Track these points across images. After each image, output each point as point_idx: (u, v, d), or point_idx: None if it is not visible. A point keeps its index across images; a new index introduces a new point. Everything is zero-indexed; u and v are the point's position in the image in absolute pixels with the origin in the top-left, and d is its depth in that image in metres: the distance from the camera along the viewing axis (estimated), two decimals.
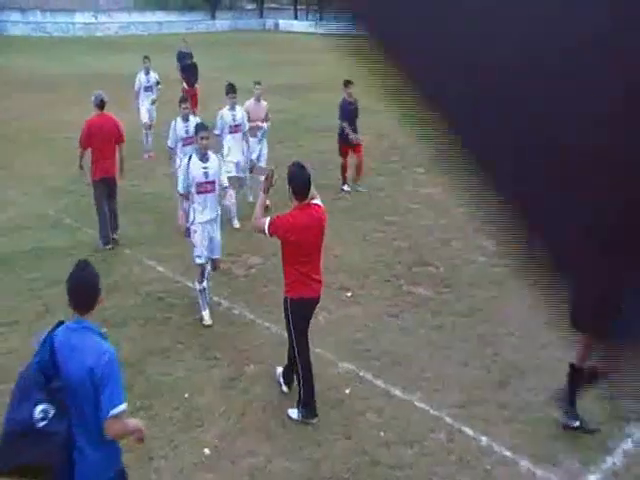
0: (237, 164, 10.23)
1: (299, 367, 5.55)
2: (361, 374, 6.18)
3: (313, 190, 5.46)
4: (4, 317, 7.17)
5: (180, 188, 6.97)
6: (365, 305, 7.67)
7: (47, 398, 3.16)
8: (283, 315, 5.61)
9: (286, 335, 6.93)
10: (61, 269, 8.35)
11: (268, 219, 5.39)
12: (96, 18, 54.81)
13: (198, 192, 6.89)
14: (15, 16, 50.44)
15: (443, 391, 5.97)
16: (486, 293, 8.04)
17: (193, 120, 9.50)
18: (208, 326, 7.04)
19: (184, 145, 9.63)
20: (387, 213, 10.69)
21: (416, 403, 5.78)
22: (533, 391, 6.00)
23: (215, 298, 7.65)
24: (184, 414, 5.58)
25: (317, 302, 5.69)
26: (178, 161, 9.17)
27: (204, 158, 6.92)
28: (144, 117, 14.21)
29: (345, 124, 11.71)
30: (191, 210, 7.02)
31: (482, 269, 8.75)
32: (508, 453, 5.18)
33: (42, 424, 3.13)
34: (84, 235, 9.56)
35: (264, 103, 10.78)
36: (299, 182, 5.31)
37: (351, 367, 6.35)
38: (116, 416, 3.25)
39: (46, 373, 3.20)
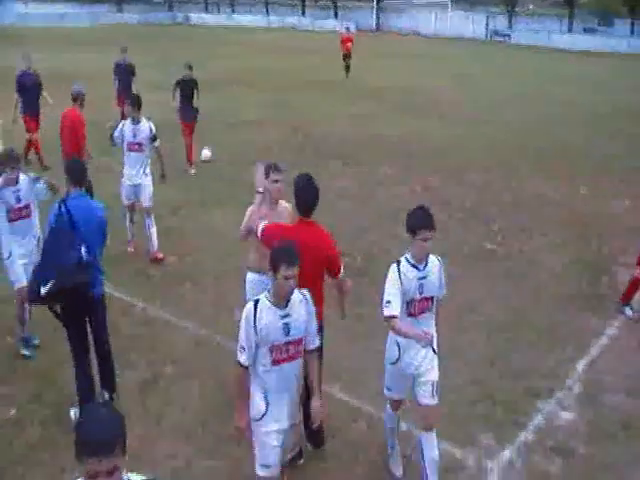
0: None
1: None
2: None
3: None
4: None
5: (242, 358, 3.98)
6: None
7: (83, 242, 4.87)
8: None
9: (203, 332, 6.87)
10: None
11: (263, 224, 4.85)
12: None
13: (273, 361, 3.98)
14: None
15: (364, 381, 6.01)
16: None
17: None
18: None
19: None
20: None
21: (337, 394, 5.80)
22: (447, 374, 6.12)
23: (128, 299, 7.42)
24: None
25: None
26: None
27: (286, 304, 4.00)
28: (126, 195, 8.78)
29: None
30: (255, 394, 4.08)
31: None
32: None
33: (86, 257, 4.87)
34: None
35: (285, 205, 5.37)
36: (304, 195, 4.74)
37: None
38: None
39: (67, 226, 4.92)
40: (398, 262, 4.57)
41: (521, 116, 19.59)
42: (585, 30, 51.46)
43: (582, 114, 20.34)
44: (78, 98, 9.32)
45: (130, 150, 8.57)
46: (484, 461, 5.10)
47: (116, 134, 8.58)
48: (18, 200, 6.08)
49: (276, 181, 5.17)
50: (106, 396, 5.59)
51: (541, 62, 36.17)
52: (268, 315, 3.89)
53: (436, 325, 4.67)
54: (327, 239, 4.84)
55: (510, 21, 55.08)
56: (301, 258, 4.06)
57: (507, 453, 5.21)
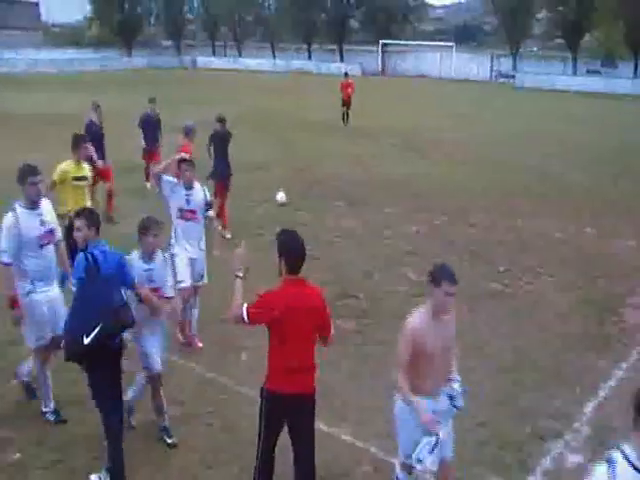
0: None
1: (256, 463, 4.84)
2: None
3: None
4: None
5: None
6: None
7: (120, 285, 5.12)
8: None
9: (210, 376, 6.84)
10: None
11: (245, 305, 4.39)
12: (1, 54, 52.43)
13: None
14: None
15: (368, 422, 5.97)
16: None
17: None
18: None
19: None
20: (309, 247, 10.60)
21: (342, 436, 5.75)
22: (465, 421, 6.08)
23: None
24: (104, 464, 5.34)
25: (305, 401, 4.68)
26: None
27: None
28: (188, 273, 7.26)
29: None
30: None
31: (404, 299, 8.87)
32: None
33: (124, 301, 5.04)
34: None
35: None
36: (292, 250, 4.61)
37: None
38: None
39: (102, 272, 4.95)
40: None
41: (525, 156, 19.75)
42: (588, 72, 52.15)
43: (587, 154, 20.49)
44: (189, 133, 10.51)
45: (183, 218, 7.15)
46: None
47: (167, 186, 7.14)
48: (150, 281, 5.56)
49: (450, 294, 4.29)
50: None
51: (545, 103, 36.59)
52: None
53: None
54: (321, 297, 4.63)
55: (514, 63, 55.98)
56: (305, 325, 4.33)
57: None
